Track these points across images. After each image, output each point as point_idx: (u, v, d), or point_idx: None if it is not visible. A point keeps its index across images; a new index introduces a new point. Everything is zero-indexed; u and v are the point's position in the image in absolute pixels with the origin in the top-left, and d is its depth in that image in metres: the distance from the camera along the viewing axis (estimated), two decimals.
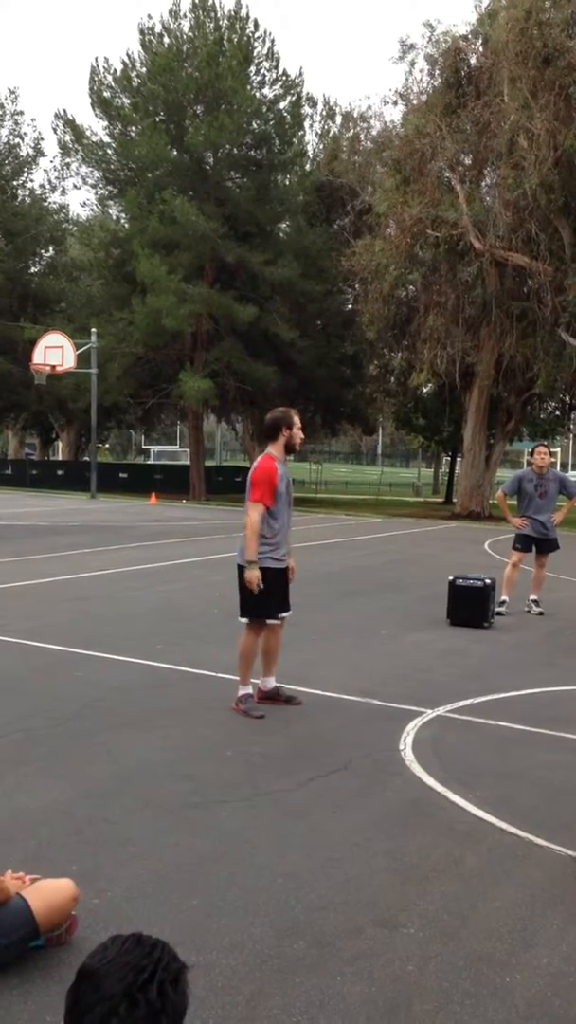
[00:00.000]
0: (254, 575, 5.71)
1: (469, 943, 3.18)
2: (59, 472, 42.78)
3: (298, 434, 5.97)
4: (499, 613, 9.93)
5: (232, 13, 33.47)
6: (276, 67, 34.45)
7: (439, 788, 4.66)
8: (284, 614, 6.11)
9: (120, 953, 1.33)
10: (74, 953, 3.02)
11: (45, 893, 3.03)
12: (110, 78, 34.44)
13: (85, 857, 3.73)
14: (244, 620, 5.97)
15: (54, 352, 31.57)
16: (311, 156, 36.80)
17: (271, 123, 34.07)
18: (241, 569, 5.88)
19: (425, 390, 34.09)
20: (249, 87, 32.87)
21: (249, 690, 5.98)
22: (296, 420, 5.98)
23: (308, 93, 36.20)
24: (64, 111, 36.43)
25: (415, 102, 28.93)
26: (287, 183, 34.97)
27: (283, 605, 6.08)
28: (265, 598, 5.87)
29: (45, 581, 11.67)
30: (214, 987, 2.85)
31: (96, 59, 52.74)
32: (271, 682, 6.19)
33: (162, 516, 25.06)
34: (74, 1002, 1.31)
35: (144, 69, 33.99)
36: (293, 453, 6.06)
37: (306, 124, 35.93)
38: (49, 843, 3.87)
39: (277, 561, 5.95)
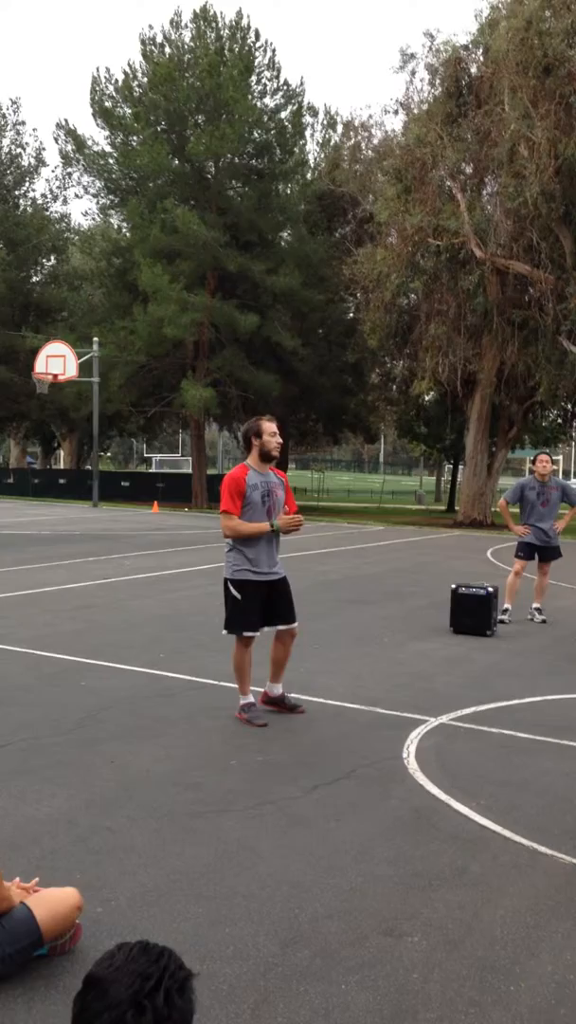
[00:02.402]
0: (282, 521, 5.75)
1: (473, 952, 3.18)
2: (61, 481, 42.83)
3: (270, 441, 5.80)
4: (502, 621, 9.93)
5: (233, 23, 33.67)
6: (277, 76, 34.65)
7: (443, 796, 4.66)
8: (285, 626, 6.02)
9: (127, 961, 1.34)
10: (78, 962, 3.02)
11: (49, 902, 3.03)
12: (111, 88, 34.64)
13: (89, 866, 3.73)
14: (224, 633, 5.97)
15: (56, 361, 31.65)
16: (312, 165, 36.97)
17: (272, 132, 34.23)
18: (226, 583, 5.89)
19: (427, 398, 34.12)
20: (250, 96, 33.04)
21: (250, 699, 5.97)
22: (267, 427, 5.83)
23: (309, 102, 36.73)
24: (65, 121, 36.52)
25: (416, 111, 29.04)
26: (288, 192, 35.12)
27: (279, 617, 5.98)
28: (241, 611, 5.83)
29: (48, 590, 11.68)
30: (218, 996, 2.85)
31: (97, 69, 52.90)
32: (277, 689, 6.17)
33: (164, 525, 25.07)
34: (81, 1009, 1.31)
35: (145, 79, 34.19)
36: (271, 460, 5.86)
37: (307, 133, 36.21)
38: (53, 852, 3.87)
39: (258, 574, 5.84)
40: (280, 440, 5.93)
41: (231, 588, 5.88)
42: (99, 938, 3.14)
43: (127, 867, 3.74)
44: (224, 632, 5.98)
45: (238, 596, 5.84)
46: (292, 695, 6.36)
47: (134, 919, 3.32)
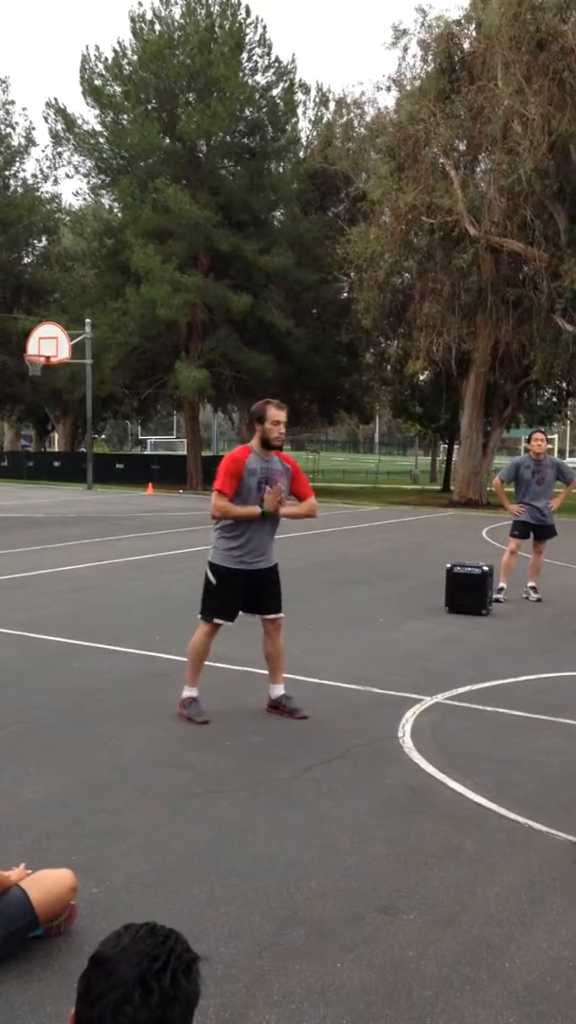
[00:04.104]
0: (267, 499, 5.44)
1: (469, 929, 3.19)
2: (55, 464, 42.71)
3: (272, 429, 5.51)
4: (497, 600, 9.94)
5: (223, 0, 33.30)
6: (268, 54, 34.32)
7: (438, 775, 4.67)
8: (270, 616, 5.77)
9: (134, 941, 1.34)
10: (74, 943, 3.03)
11: (44, 883, 3.03)
12: (101, 66, 34.29)
13: (84, 847, 3.73)
14: (199, 617, 5.72)
15: (48, 343, 31.47)
16: (304, 143, 36.68)
17: (264, 110, 33.94)
18: (207, 566, 5.68)
19: (422, 378, 34.03)
20: (241, 74, 32.73)
21: (193, 693, 5.65)
22: (272, 414, 5.52)
23: (301, 79, 35.98)
24: (55, 100, 36.39)
25: (408, 88, 28.83)
26: (281, 171, 34.87)
27: (260, 608, 5.75)
28: (215, 598, 5.61)
29: (43, 572, 11.67)
30: (214, 975, 2.85)
31: (87, 47, 52.69)
32: (278, 690, 5.83)
33: (159, 507, 25.05)
34: (86, 988, 1.31)
35: (135, 57, 33.84)
36: (271, 448, 5.60)
37: (299, 111, 35.89)
38: (49, 834, 3.87)
39: (242, 563, 5.58)
40: (283, 430, 5.62)
41: (209, 572, 5.65)
42: (95, 919, 3.14)
43: (122, 848, 3.74)
44: (199, 616, 5.74)
45: (213, 581, 5.60)
46: (287, 675, 6.33)
47: (130, 900, 3.32)
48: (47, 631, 8.01)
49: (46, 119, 36.23)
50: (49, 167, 45.34)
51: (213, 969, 2.88)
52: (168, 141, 33.47)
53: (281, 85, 34.58)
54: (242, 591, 5.64)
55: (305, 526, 19.04)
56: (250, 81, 33.59)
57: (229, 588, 5.60)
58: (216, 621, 5.65)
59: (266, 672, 5.92)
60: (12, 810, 4.11)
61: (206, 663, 5.80)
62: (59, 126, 35.66)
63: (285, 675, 5.92)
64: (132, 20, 33.92)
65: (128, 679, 6.50)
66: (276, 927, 3.16)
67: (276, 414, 5.55)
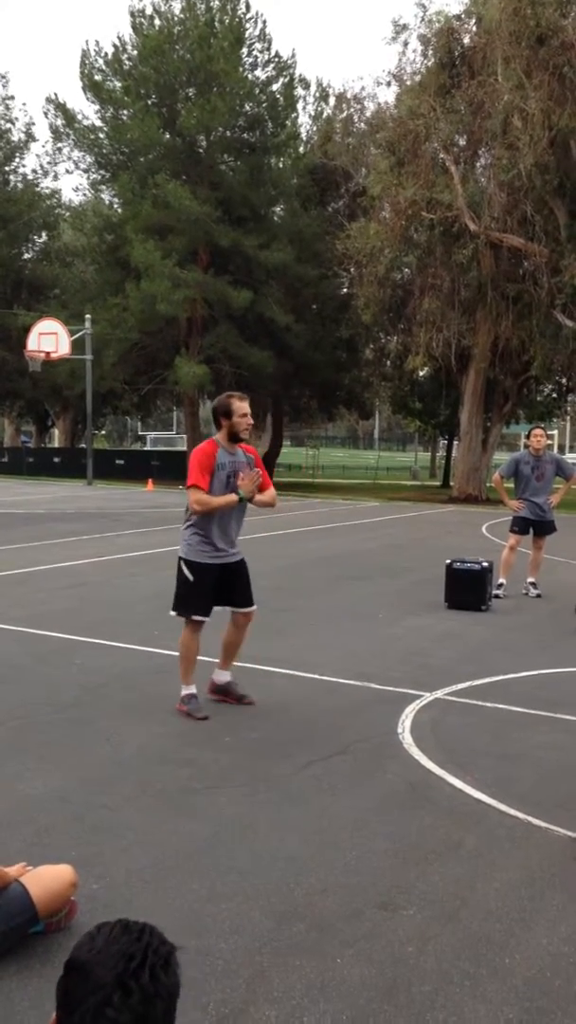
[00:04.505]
0: (243, 484, 5.48)
1: (468, 924, 3.19)
2: (55, 459, 42.68)
3: (240, 422, 5.54)
4: (497, 596, 9.93)
5: None
6: (268, 48, 34.28)
7: (438, 771, 4.67)
8: (242, 609, 5.77)
9: (108, 942, 1.31)
10: (74, 938, 2.98)
11: (44, 879, 3.04)
12: (101, 61, 34.22)
13: (84, 843, 3.73)
14: (173, 614, 5.73)
15: (48, 339, 31.44)
16: (304, 138, 36.59)
17: (264, 105, 33.89)
18: (180, 562, 5.68)
19: (421, 373, 33.99)
20: (241, 69, 32.67)
21: (192, 690, 5.64)
22: (238, 407, 5.54)
23: (301, 75, 36.32)
24: (55, 95, 36.27)
25: (408, 83, 28.77)
26: (281, 166, 34.80)
27: (233, 602, 5.74)
28: (192, 593, 5.60)
29: (43, 568, 11.67)
30: (214, 971, 2.85)
31: (87, 42, 52.47)
32: (224, 676, 5.88)
33: (159, 502, 25.03)
34: (65, 995, 1.29)
35: (135, 52, 33.79)
36: (238, 441, 5.62)
37: (299, 106, 35.83)
38: (48, 829, 3.87)
39: (215, 556, 5.60)
40: (251, 421, 5.67)
41: (184, 568, 5.63)
42: (95, 915, 3.14)
43: (122, 844, 3.74)
44: (173, 613, 5.73)
45: (191, 577, 5.59)
46: (285, 671, 6.34)
47: (130, 896, 3.32)
48: (47, 627, 8.01)
49: (46, 114, 36.18)
50: (49, 163, 45.07)
51: (213, 965, 2.89)
52: (168, 136, 33.41)
53: (281, 80, 34.54)
54: (215, 585, 5.65)
55: (305, 522, 19.03)
56: (250, 76, 33.53)
57: (204, 583, 5.61)
58: (196, 618, 5.65)
59: (266, 668, 5.93)
60: (12, 806, 4.11)
61: (205, 659, 5.80)
62: (59, 121, 35.60)
63: (285, 670, 5.96)
64: (132, 15, 33.90)
65: (128, 675, 6.50)
66: (276, 923, 3.16)
67: (241, 406, 5.59)
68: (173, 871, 3.52)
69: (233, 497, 5.50)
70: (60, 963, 2.84)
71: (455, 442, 36.68)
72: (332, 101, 36.66)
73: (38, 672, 6.55)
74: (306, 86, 36.51)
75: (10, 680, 6.31)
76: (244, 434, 5.64)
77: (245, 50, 33.42)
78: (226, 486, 5.54)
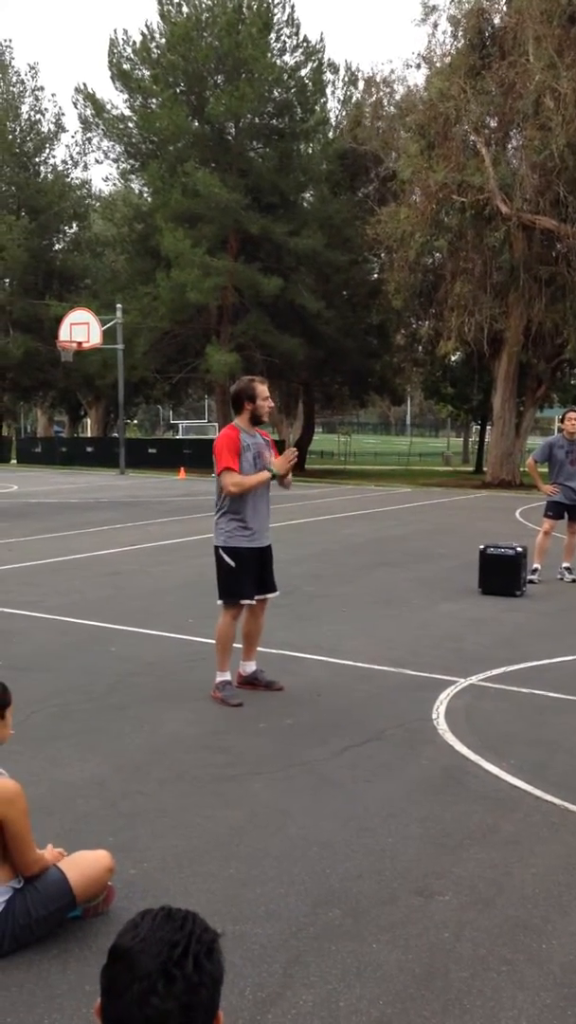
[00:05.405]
0: (279, 461, 5.63)
1: (505, 910, 3.18)
2: (88, 449, 42.95)
3: (263, 405, 5.65)
4: (531, 581, 9.87)
5: None
6: (296, 33, 34.06)
7: (473, 756, 4.65)
8: (266, 595, 5.86)
9: (152, 929, 1.32)
10: (112, 923, 3.05)
11: (82, 864, 3.06)
12: (129, 50, 34.22)
13: (121, 829, 3.76)
14: (219, 603, 5.77)
15: (80, 329, 31.59)
16: (334, 123, 36.36)
17: (292, 91, 33.71)
18: (217, 551, 5.73)
19: (453, 358, 33.79)
20: (269, 55, 32.51)
21: (227, 676, 5.69)
22: (261, 390, 5.64)
23: (329, 59, 35.87)
24: (84, 85, 36.39)
25: (438, 64, 28.49)
26: (310, 151, 34.63)
27: (264, 586, 5.82)
28: (237, 579, 5.65)
29: (77, 557, 11.75)
30: (250, 956, 2.86)
31: (115, 31, 52.49)
32: (250, 667, 5.93)
33: (191, 490, 25.11)
34: (110, 983, 1.29)
35: (163, 39, 33.73)
36: (258, 424, 5.73)
37: (328, 91, 35.56)
38: (86, 815, 3.90)
39: (253, 541, 5.69)
40: (272, 404, 5.81)
41: (225, 556, 5.68)
42: (132, 900, 3.17)
43: (158, 830, 3.77)
44: (219, 602, 5.77)
45: (232, 564, 5.64)
46: (319, 658, 6.34)
47: (166, 881, 3.34)
48: (83, 615, 8.08)
49: (75, 104, 36.29)
50: (79, 153, 45.41)
51: (249, 950, 2.90)
52: (197, 124, 33.36)
53: (310, 65, 34.32)
54: (255, 568, 5.74)
55: (337, 509, 19.00)
56: (278, 62, 33.35)
57: (246, 567, 5.68)
58: (243, 603, 5.72)
59: (300, 654, 5.93)
60: (49, 792, 4.15)
61: (238, 645, 5.82)
62: (88, 111, 35.69)
63: (318, 657, 5.97)
64: (160, 2, 33.81)
65: (162, 662, 6.53)
66: (311, 908, 3.17)
67: (263, 390, 5.72)
68: (208, 856, 3.54)
69: (266, 474, 5.62)
70: (98, 948, 2.89)
71: (488, 427, 36.41)
72: (361, 85, 36.41)
73: (74, 660, 6.60)
74: (335, 70, 36.28)
75: (46, 668, 6.37)
76: (266, 417, 5.77)
77: (273, 35, 33.24)
78: (253, 467, 5.64)
